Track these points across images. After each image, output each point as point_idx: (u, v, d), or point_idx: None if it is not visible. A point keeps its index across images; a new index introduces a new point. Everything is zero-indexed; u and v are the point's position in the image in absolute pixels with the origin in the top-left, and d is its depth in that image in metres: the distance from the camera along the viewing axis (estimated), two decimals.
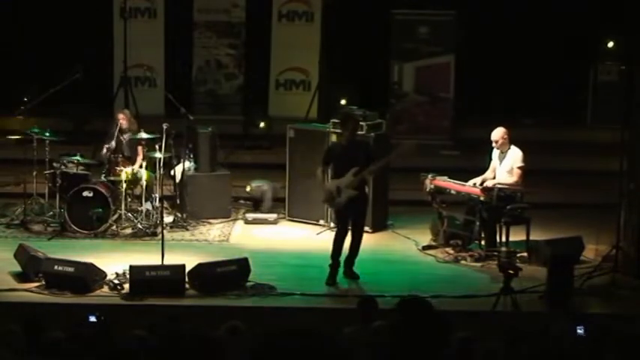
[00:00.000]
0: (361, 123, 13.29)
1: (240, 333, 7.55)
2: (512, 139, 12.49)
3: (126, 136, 13.56)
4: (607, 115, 17.04)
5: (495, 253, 11.96)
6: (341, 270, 11.65)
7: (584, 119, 17.82)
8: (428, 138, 16.92)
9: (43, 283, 11.13)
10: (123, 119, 13.65)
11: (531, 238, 12.40)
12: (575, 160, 15.88)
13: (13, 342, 7.42)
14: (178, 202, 13.95)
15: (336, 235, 11.67)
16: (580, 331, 8.07)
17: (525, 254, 12.21)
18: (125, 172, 13.06)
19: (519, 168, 12.34)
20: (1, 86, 18.00)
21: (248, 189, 14.34)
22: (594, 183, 14.63)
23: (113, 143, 13.40)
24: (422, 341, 5.10)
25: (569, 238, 12.53)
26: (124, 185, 13.02)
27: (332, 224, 13.48)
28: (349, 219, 11.62)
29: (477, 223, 12.36)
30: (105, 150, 13.44)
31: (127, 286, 11.06)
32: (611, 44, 17.90)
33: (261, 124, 16.91)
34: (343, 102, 16.18)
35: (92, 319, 7.99)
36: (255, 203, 14.31)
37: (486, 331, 8.75)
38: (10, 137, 13.80)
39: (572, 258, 11.67)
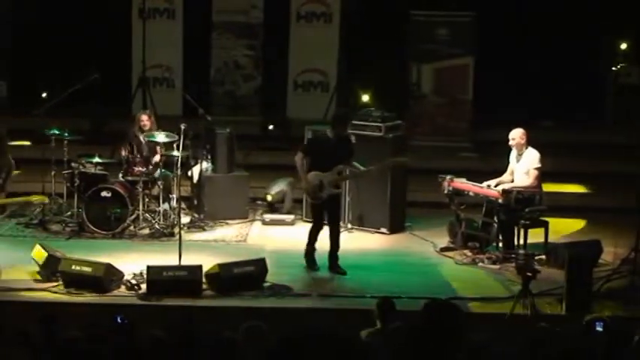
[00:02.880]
0: (379, 125, 13.35)
1: (262, 334, 7.51)
2: (531, 142, 12.45)
3: (144, 137, 13.57)
4: (628, 118, 17.01)
5: (513, 256, 11.93)
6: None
7: (605, 121, 17.74)
8: (446, 140, 16.91)
9: (61, 282, 11.15)
10: (147, 120, 13.65)
11: (550, 240, 12.35)
12: (594, 162, 15.81)
13: (30, 341, 7.43)
14: (196, 202, 13.97)
15: (312, 229, 11.95)
16: (599, 328, 8.03)
17: (543, 257, 12.16)
18: None
19: (536, 169, 12.30)
20: (20, 86, 18.10)
21: (269, 198, 14.29)
22: (614, 185, 14.58)
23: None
24: (444, 343, 5.08)
25: (587, 241, 12.48)
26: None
27: (349, 225, 13.50)
28: (325, 214, 11.87)
29: (495, 225, 12.33)
30: (124, 152, 13.45)
31: (144, 286, 11.06)
32: (624, 46, 17.82)
33: (270, 127, 16.83)
34: (366, 98, 16.16)
35: (118, 320, 7.99)
36: (271, 205, 14.29)
37: (504, 333, 8.72)
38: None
39: (590, 261, 11.62)
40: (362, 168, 12.00)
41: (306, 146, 12.09)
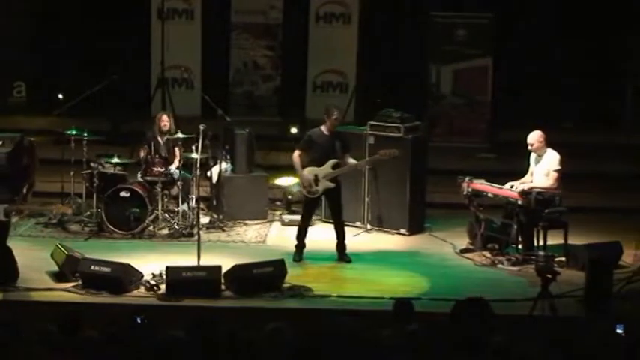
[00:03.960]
0: (399, 126, 13.34)
1: (283, 335, 7.49)
2: (551, 143, 12.40)
3: (163, 138, 13.59)
4: None
5: (533, 257, 11.89)
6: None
7: (625, 122, 17.65)
8: (465, 141, 16.88)
9: (80, 282, 11.17)
10: (167, 121, 13.66)
11: (569, 242, 12.30)
12: (614, 163, 15.73)
13: (49, 341, 7.44)
14: (215, 203, 13.97)
15: (301, 224, 12.38)
16: (619, 330, 7.98)
17: (563, 258, 12.12)
18: None
19: (555, 171, 12.25)
20: (39, 86, 18.15)
21: (290, 196, 14.25)
22: (634, 187, 14.51)
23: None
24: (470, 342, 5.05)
25: (607, 243, 12.43)
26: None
27: (369, 226, 13.47)
28: (317, 208, 12.48)
29: (515, 227, 12.28)
30: (143, 153, 13.47)
31: (163, 286, 11.07)
32: None
33: (293, 130, 16.72)
34: (379, 100, 16.09)
35: (138, 320, 8.00)
36: (288, 205, 14.27)
37: (523, 335, 8.68)
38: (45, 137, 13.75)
39: (610, 262, 11.57)
40: (354, 162, 12.34)
41: (302, 143, 12.38)
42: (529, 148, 12.39)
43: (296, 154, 12.31)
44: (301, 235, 12.37)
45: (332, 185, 12.17)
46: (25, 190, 13.52)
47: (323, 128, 12.29)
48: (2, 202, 11.22)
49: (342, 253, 12.32)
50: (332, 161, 12.15)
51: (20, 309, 10.40)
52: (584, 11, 17.34)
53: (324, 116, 12.36)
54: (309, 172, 12.18)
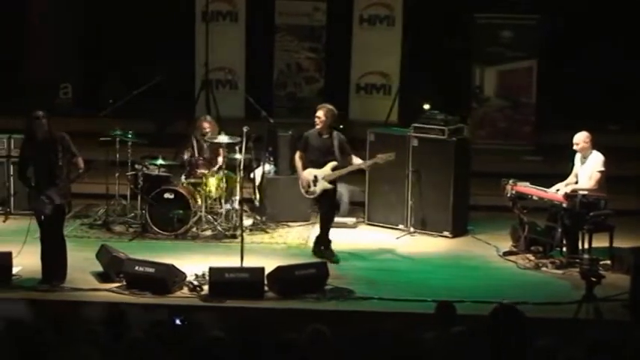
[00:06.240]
0: (442, 128, 13.30)
1: (325, 337, 7.47)
2: (597, 145, 12.32)
3: (207, 139, 13.62)
4: None
5: (577, 261, 11.80)
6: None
7: None
8: (509, 143, 16.79)
9: (124, 283, 11.23)
10: (209, 127, 13.68)
11: (615, 245, 12.21)
12: None
13: (95, 341, 7.48)
14: (258, 204, 13.99)
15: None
16: None
17: (608, 262, 12.02)
18: (215, 179, 13.17)
19: (599, 172, 12.17)
20: (86, 88, 18.28)
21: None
22: None
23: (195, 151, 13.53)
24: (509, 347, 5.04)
25: None
26: (212, 189, 13.15)
27: (412, 229, 13.44)
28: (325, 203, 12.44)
29: (559, 230, 12.20)
30: (187, 155, 13.52)
31: (206, 287, 11.12)
32: None
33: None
34: (427, 106, 16.03)
35: (177, 322, 8.02)
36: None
37: (568, 339, 8.62)
38: (102, 139, 13.69)
39: None
40: (358, 162, 12.39)
41: (300, 144, 12.49)
42: (575, 147, 12.33)
43: (297, 155, 12.46)
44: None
45: (330, 186, 12.25)
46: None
47: (319, 129, 12.35)
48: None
49: (327, 249, 12.38)
50: (332, 163, 12.23)
51: (66, 309, 10.47)
52: (631, 11, 17.20)
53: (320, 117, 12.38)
54: (308, 173, 12.30)
